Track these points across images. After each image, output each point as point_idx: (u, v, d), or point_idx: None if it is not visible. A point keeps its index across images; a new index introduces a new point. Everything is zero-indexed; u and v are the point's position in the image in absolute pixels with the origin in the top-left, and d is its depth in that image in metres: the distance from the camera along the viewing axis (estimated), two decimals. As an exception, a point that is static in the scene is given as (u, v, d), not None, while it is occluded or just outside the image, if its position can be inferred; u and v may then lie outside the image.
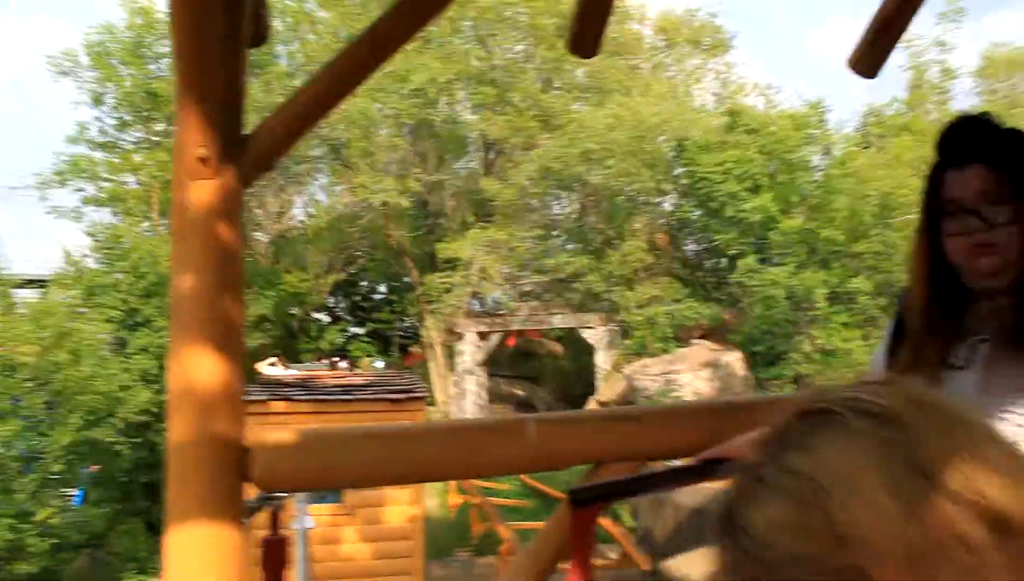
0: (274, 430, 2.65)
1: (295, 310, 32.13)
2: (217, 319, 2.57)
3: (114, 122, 29.18)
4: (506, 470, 2.93)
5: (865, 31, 3.67)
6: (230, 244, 2.59)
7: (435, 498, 20.35)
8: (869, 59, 3.76)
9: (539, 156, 24.14)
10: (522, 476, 19.54)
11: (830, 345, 19.38)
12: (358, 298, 37.01)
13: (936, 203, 1.78)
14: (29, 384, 15.91)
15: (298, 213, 32.89)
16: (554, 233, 27.26)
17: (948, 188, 1.76)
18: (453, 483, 19.09)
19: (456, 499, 18.00)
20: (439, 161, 27.08)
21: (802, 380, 19.62)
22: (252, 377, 28.08)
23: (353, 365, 29.38)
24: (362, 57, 2.73)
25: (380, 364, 28.94)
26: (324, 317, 34.70)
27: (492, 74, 25.27)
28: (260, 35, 3.60)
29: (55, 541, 15.00)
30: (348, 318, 35.92)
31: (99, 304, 20.50)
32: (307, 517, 7.24)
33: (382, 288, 35.93)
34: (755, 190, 21.07)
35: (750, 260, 20.51)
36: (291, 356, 31.31)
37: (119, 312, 20.88)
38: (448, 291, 24.45)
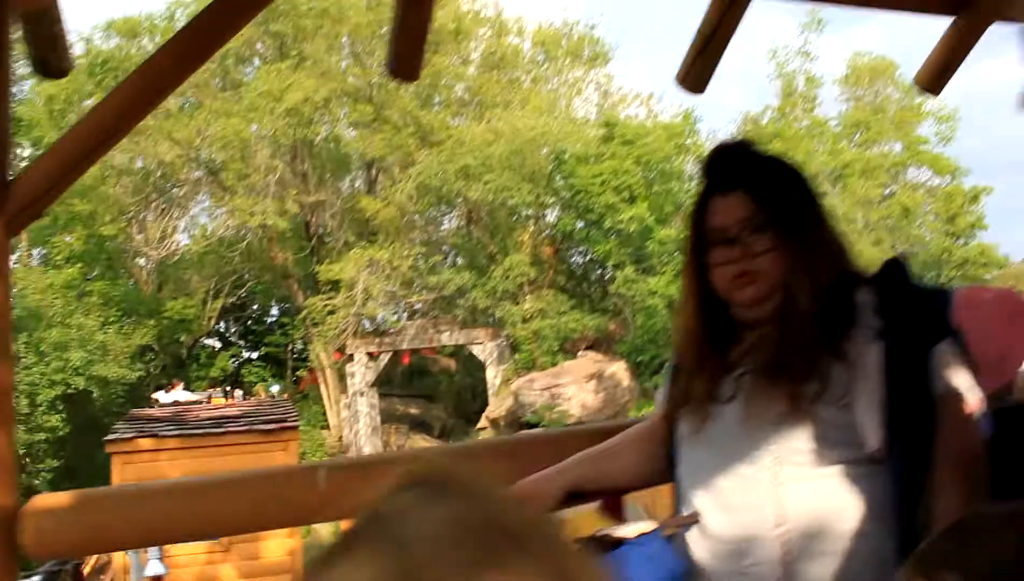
0: (50, 496, 2.47)
1: (182, 337, 31.24)
2: (-20, 382, 2.39)
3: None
4: (296, 521, 2.79)
5: (688, 49, 3.70)
6: (-8, 301, 2.41)
7: (327, 527, 19.98)
8: (695, 75, 3.79)
9: (417, 173, 24.05)
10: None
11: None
12: (249, 322, 36.23)
13: (702, 232, 1.78)
14: None
15: (182, 237, 31.94)
16: (439, 249, 27.21)
17: (712, 216, 1.76)
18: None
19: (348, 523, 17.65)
20: (319, 181, 26.71)
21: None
22: (147, 404, 27.24)
23: (248, 392, 28.78)
24: (136, 95, 2.58)
25: (276, 388, 28.42)
26: (215, 343, 33.87)
27: (369, 91, 25.06)
28: (61, 66, 3.38)
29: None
30: (239, 343, 35.15)
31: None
32: (156, 562, 6.93)
33: (273, 311, 35.29)
34: (632, 201, 21.42)
35: (629, 271, 20.84)
36: (185, 379, 30.46)
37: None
38: (331, 314, 24.10)
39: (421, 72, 3.75)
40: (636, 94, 29.16)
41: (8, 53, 2.56)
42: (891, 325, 1.61)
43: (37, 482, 19.55)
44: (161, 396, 25.19)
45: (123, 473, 9.98)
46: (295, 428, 10.53)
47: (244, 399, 28.31)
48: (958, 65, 3.41)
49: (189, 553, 10.15)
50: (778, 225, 1.68)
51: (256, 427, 10.41)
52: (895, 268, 1.71)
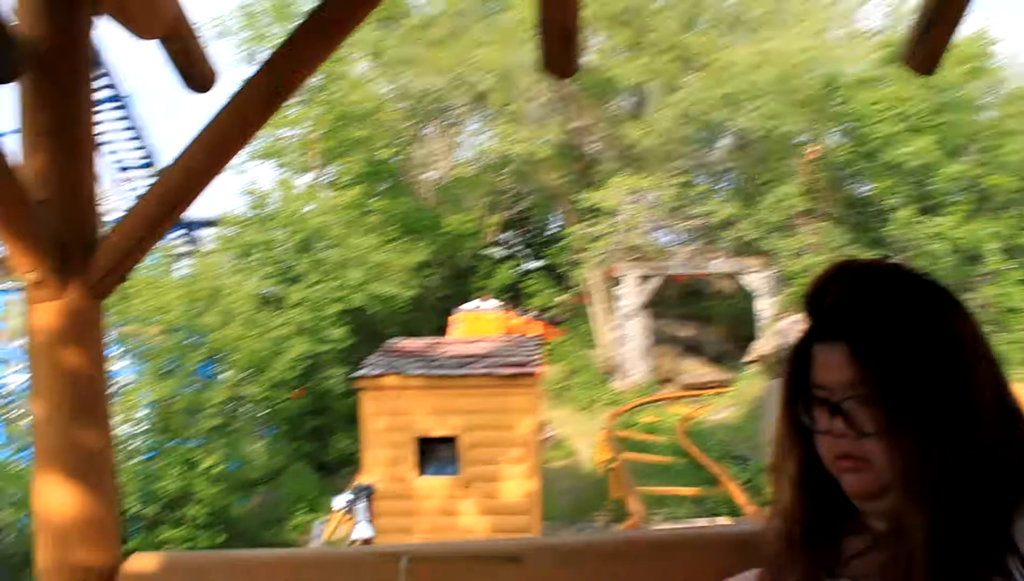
0: (146, 556, 2.48)
1: (461, 251, 32.67)
2: (76, 447, 2.41)
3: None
4: None
5: (913, 24, 3.13)
6: (84, 367, 2.40)
7: (588, 449, 20.36)
8: (922, 54, 3.22)
9: (680, 100, 23.16)
10: (678, 434, 19.23)
11: (1006, 304, 17.63)
12: (529, 233, 37.37)
13: (804, 382, 1.31)
14: (186, 345, 16.86)
15: (455, 159, 33.26)
16: (704, 178, 26.31)
17: (814, 367, 1.29)
18: (602, 436, 19.01)
19: (604, 455, 17.83)
20: (583, 107, 26.49)
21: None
22: (433, 313, 28.88)
23: (526, 306, 29.73)
24: (212, 147, 2.47)
25: (560, 299, 28.86)
26: (496, 253, 35.08)
27: (628, 15, 24.32)
28: (204, 82, 3.37)
29: (223, 487, 15.97)
30: (520, 254, 36.35)
31: (251, 263, 21.45)
32: (365, 525, 7.25)
33: (553, 223, 35.95)
34: (915, 131, 19.27)
35: (908, 211, 18.91)
36: (463, 297, 32.07)
37: (273, 268, 21.82)
38: (595, 240, 24.10)
39: (576, 67, 3.42)
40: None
41: (90, 114, 2.51)
42: None
43: (323, 388, 21.32)
44: (466, 306, 26.69)
45: (370, 407, 10.57)
46: (535, 374, 10.60)
47: (523, 312, 29.49)
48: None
49: (431, 487, 10.64)
50: (889, 405, 1.17)
51: (496, 371, 10.59)
52: None
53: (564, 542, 2.28)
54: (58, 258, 2.33)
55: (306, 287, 21.35)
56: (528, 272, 33.77)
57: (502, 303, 28.08)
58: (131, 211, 2.44)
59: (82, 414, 2.42)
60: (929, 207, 19.41)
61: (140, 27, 2.91)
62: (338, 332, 21.31)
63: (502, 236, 36.43)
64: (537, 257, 35.22)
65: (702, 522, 13.22)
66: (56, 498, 2.43)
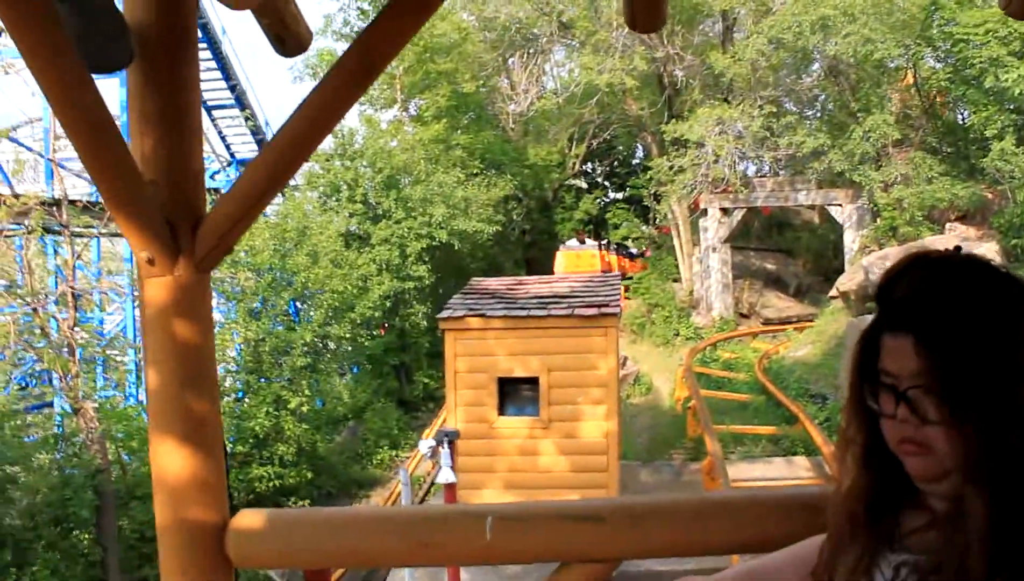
0: (251, 513, 2.66)
1: (545, 184, 32.65)
2: (187, 414, 2.58)
3: (356, 13, 30.03)
4: (462, 562, 2.83)
5: None
6: (194, 338, 2.56)
7: (667, 384, 20.40)
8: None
9: (769, 27, 22.43)
10: (756, 370, 19.10)
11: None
12: (615, 164, 37.17)
13: (873, 367, 1.37)
14: (275, 285, 17.28)
15: (542, 88, 32.97)
16: (794, 107, 25.57)
17: (883, 354, 1.34)
18: (681, 373, 19.01)
19: (683, 392, 17.86)
20: (671, 34, 25.89)
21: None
22: (518, 249, 29.10)
23: (609, 241, 29.70)
24: (308, 124, 2.57)
25: (644, 229, 28.74)
26: (580, 184, 35.00)
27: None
28: (301, 42, 3.47)
29: (310, 425, 16.49)
30: (604, 184, 36.20)
31: (338, 202, 21.75)
32: (447, 470, 7.46)
33: (638, 154, 35.64)
34: (1020, 56, 18.29)
35: (1008, 142, 18.08)
36: (546, 230, 32.20)
37: (360, 205, 22.10)
38: (680, 172, 23.77)
39: (663, 21, 3.39)
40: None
41: (198, 96, 2.61)
42: None
43: (407, 325, 21.71)
44: (571, 244, 27.77)
45: (453, 348, 10.76)
46: (615, 315, 10.62)
47: (615, 249, 29.53)
48: None
49: (514, 426, 10.84)
50: (951, 396, 1.23)
51: (576, 312, 10.65)
52: None
53: (641, 502, 2.37)
54: (168, 236, 2.48)
55: (391, 224, 21.61)
56: (612, 203, 33.58)
57: (604, 242, 28.77)
58: (234, 186, 2.56)
59: (192, 383, 2.59)
60: (1029, 136, 18.61)
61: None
62: (421, 269, 21.59)
63: (586, 167, 36.29)
64: (621, 188, 34.99)
65: (779, 461, 13.20)
66: (170, 461, 2.62)
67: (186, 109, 2.56)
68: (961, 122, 23.58)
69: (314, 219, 20.22)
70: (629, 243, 33.32)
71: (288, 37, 3.43)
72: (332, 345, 18.18)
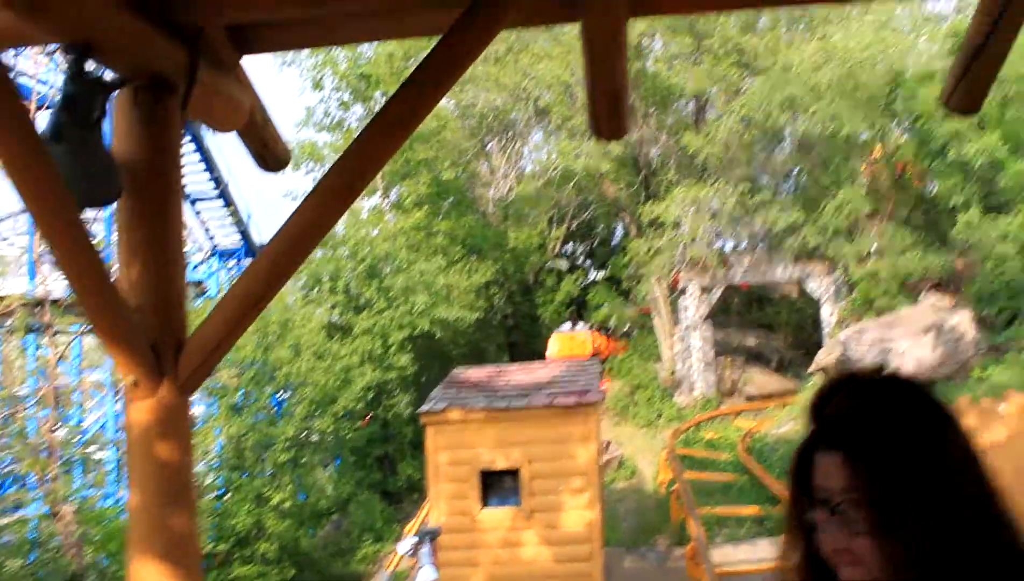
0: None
1: (526, 267, 32.85)
2: (167, 533, 2.65)
3: (336, 103, 30.46)
4: None
5: (954, 64, 3.26)
6: (174, 458, 2.64)
7: (651, 467, 20.29)
8: (963, 95, 3.33)
9: (740, 106, 23.03)
10: (739, 450, 19.08)
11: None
12: (595, 243, 37.42)
13: (807, 483, 1.48)
14: (258, 379, 17.26)
15: (520, 173, 33.43)
16: (766, 184, 26.03)
17: (816, 471, 1.46)
18: (664, 455, 18.96)
19: (666, 475, 17.79)
20: (645, 116, 26.50)
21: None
22: (498, 332, 29.07)
23: (591, 322, 29.82)
24: (297, 236, 2.71)
25: (625, 311, 28.77)
26: (562, 265, 35.15)
27: (687, 21, 24.26)
28: (279, 162, 3.65)
29: (292, 520, 16.28)
30: (585, 265, 36.38)
31: (320, 293, 21.85)
32: (428, 568, 7.42)
33: (619, 232, 35.88)
34: (981, 128, 18.82)
35: (973, 213, 18.49)
36: (528, 309, 32.28)
37: (343, 296, 22.20)
38: (657, 254, 24.09)
39: (626, 130, 3.58)
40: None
41: (181, 226, 2.74)
42: None
43: (390, 415, 21.62)
44: (563, 328, 27.88)
45: (434, 441, 10.77)
46: (594, 403, 10.69)
47: (589, 327, 29.70)
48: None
49: (495, 518, 10.77)
50: (879, 510, 1.33)
51: (556, 402, 10.71)
52: None
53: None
54: (152, 361, 2.60)
55: (373, 314, 21.69)
56: (593, 284, 33.78)
57: (590, 325, 28.91)
58: (216, 309, 2.67)
59: (172, 501, 2.68)
60: (996, 206, 18.97)
61: (223, 124, 3.19)
62: (404, 359, 21.61)
63: (566, 248, 36.59)
64: (602, 268, 35.22)
65: (764, 542, 13.13)
66: (149, 579, 2.68)
67: (170, 237, 2.70)
68: (930, 193, 24.08)
69: (297, 311, 20.28)
70: (612, 323, 33.45)
71: (268, 155, 3.64)
72: (316, 437, 18.08)
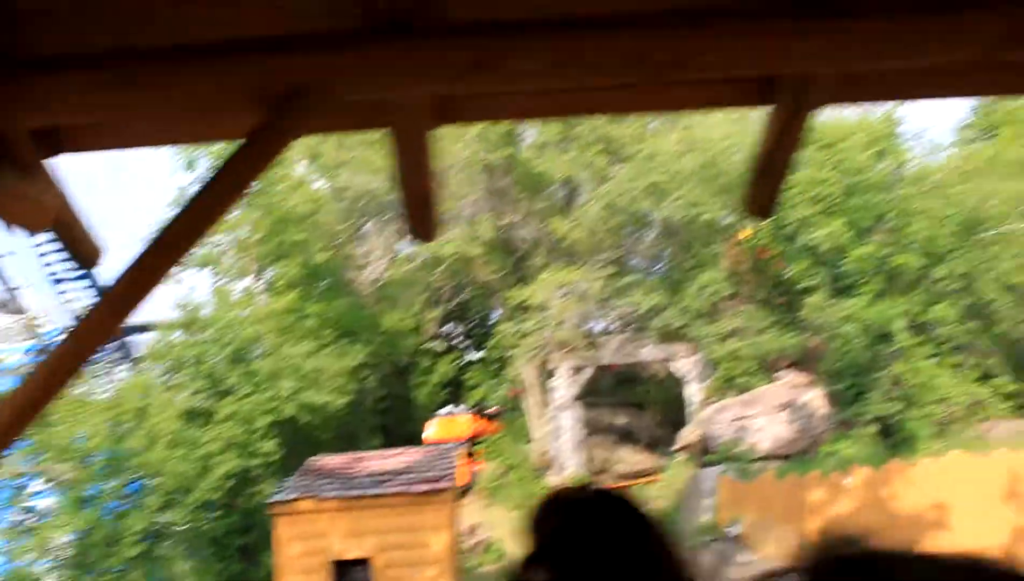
0: None
1: (401, 349, 32.55)
2: None
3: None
4: None
5: (750, 173, 3.47)
6: None
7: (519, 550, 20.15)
8: (760, 199, 3.54)
9: (605, 193, 23.78)
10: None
11: (914, 380, 18.27)
12: (472, 324, 37.35)
13: None
14: (106, 471, 16.54)
15: (400, 251, 33.35)
16: (632, 268, 26.77)
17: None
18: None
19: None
20: (514, 202, 26.99)
21: (884, 421, 18.56)
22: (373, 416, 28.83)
23: (459, 400, 29.72)
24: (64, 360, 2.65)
25: (497, 394, 28.81)
26: (437, 346, 34.93)
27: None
28: (90, 257, 3.61)
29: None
30: (461, 346, 36.20)
31: (182, 378, 21.18)
32: None
33: (495, 315, 35.95)
34: (829, 214, 19.98)
35: (819, 297, 19.52)
36: (402, 391, 31.93)
37: (207, 381, 21.54)
38: (524, 337, 24.34)
39: (437, 231, 3.66)
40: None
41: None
42: None
43: (253, 504, 20.93)
44: (441, 412, 27.68)
45: (285, 532, 10.53)
46: (448, 489, 10.65)
47: (468, 409, 29.65)
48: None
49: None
50: None
51: (411, 489, 10.64)
52: None
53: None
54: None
55: (237, 400, 21.10)
56: (469, 365, 33.72)
57: (472, 407, 28.85)
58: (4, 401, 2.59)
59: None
60: (842, 288, 20.03)
61: (32, 224, 3.15)
62: (268, 445, 21.02)
63: (443, 329, 36.51)
64: (478, 349, 35.23)
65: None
66: None
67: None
68: (787, 276, 25.18)
69: (153, 398, 19.58)
70: (490, 404, 33.40)
71: (81, 250, 3.61)
72: (170, 530, 17.34)
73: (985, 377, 20.28)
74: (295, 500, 10.47)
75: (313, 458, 12.75)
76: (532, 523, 1.56)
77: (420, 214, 3.48)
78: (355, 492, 10.53)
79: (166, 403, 19.44)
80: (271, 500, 10.61)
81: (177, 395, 20.73)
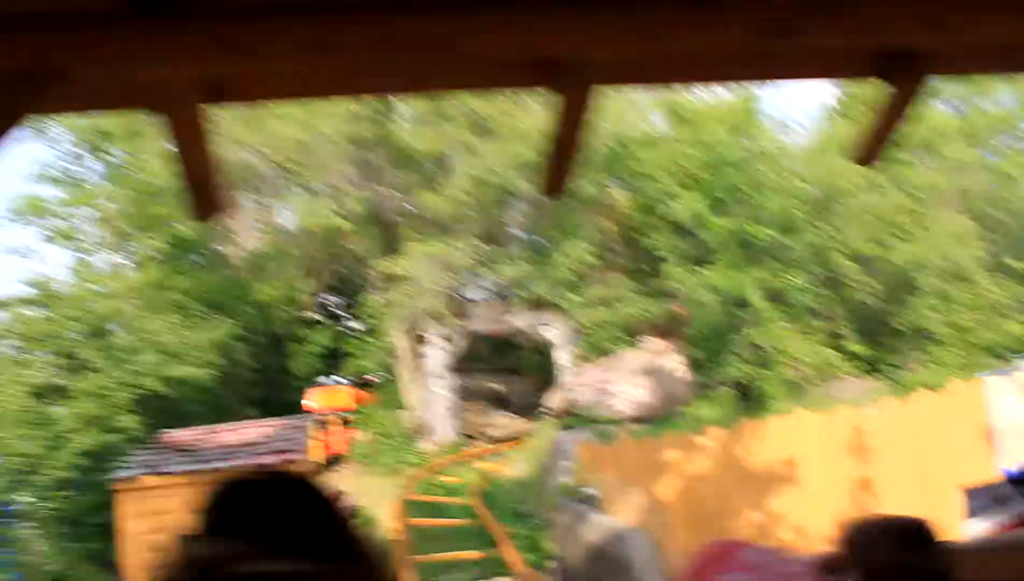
0: None
1: (276, 321, 31.99)
2: None
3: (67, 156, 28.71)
4: None
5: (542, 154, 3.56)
6: None
7: (387, 518, 20.19)
8: (552, 180, 3.63)
9: (472, 167, 23.91)
10: (469, 493, 19.44)
11: (768, 344, 19.17)
12: (346, 297, 36.93)
13: None
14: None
15: (273, 223, 32.69)
16: (499, 241, 27.04)
17: None
18: (398, 502, 18.93)
19: (399, 522, 17.78)
20: (381, 177, 26.87)
21: (741, 383, 19.42)
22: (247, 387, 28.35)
23: (337, 370, 29.46)
24: None
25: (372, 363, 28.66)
26: (315, 316, 34.40)
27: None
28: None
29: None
30: (341, 314, 35.73)
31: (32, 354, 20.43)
32: None
33: (370, 286, 35.56)
34: (687, 187, 20.71)
35: (679, 265, 20.27)
36: (279, 362, 31.40)
37: (63, 358, 20.82)
38: (395, 306, 24.38)
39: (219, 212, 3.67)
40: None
41: None
42: None
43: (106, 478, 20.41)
44: (321, 380, 27.24)
45: (128, 509, 10.32)
46: (296, 462, 10.64)
47: (349, 380, 29.42)
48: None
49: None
50: None
51: (258, 462, 10.56)
52: None
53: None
54: None
55: (94, 375, 20.43)
56: (346, 335, 33.42)
57: (347, 377, 28.58)
58: None
59: None
60: (700, 258, 20.79)
61: None
62: (130, 420, 20.44)
63: (319, 300, 36.02)
64: (355, 319, 34.93)
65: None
66: None
67: None
68: (651, 246, 25.87)
69: (3, 371, 18.82)
70: (369, 373, 33.21)
71: None
72: (20, 511, 16.75)
73: (834, 339, 21.44)
74: (137, 476, 10.29)
75: (160, 432, 12.50)
76: (204, 510, 1.56)
77: (198, 194, 3.48)
78: (199, 466, 10.40)
79: (13, 379, 18.70)
80: (113, 477, 10.38)
81: (27, 371, 19.97)
